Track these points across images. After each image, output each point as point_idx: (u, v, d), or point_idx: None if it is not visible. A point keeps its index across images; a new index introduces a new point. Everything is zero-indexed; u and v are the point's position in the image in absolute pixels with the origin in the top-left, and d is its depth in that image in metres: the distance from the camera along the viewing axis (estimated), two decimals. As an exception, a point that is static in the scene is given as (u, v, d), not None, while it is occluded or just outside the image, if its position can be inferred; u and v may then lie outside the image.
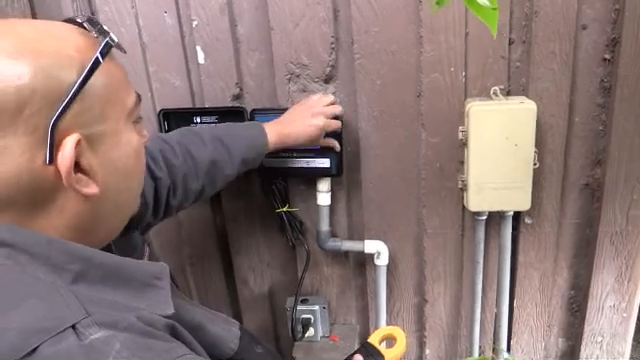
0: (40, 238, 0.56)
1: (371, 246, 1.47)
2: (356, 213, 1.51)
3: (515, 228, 1.43)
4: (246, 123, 1.24)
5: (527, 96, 1.29)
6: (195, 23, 1.34)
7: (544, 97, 1.29)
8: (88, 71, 0.56)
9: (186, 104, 1.43)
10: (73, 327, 0.51)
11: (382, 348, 1.03)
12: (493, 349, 1.58)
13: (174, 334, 0.60)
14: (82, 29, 0.61)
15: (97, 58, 0.58)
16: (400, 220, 1.48)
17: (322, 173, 1.38)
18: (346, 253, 1.55)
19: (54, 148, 0.54)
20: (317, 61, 1.34)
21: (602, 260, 1.42)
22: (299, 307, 1.52)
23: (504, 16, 1.24)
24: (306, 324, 1.53)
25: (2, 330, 0.49)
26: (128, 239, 0.81)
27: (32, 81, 0.52)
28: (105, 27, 0.61)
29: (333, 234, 1.50)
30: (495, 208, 1.35)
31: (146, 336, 0.55)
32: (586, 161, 1.37)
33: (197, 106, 1.43)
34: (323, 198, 1.42)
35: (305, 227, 1.51)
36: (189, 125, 1.34)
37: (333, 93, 1.37)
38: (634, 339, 1.57)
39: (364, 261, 1.56)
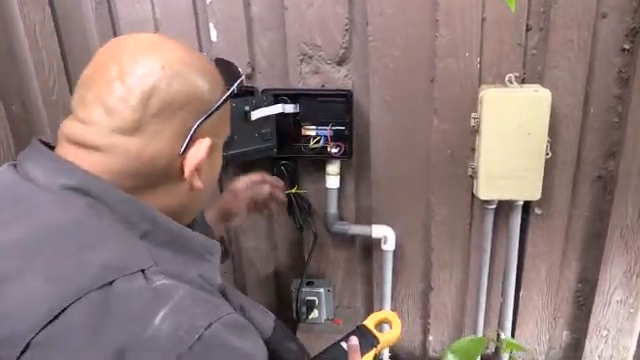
0: (122, 195, 0.64)
1: (378, 231, 1.46)
2: (364, 197, 1.50)
3: (524, 218, 1.42)
4: None
5: (542, 84, 1.27)
6: (209, 1, 1.33)
7: (559, 86, 1.27)
8: (227, 96, 0.71)
9: (198, 82, 1.42)
10: (143, 272, 0.58)
11: (377, 332, 1.03)
12: (497, 335, 1.58)
13: (224, 296, 0.68)
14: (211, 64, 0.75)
15: (234, 90, 0.73)
16: (408, 206, 1.48)
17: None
18: (353, 237, 1.55)
19: (189, 144, 0.67)
20: (330, 42, 1.32)
21: (611, 254, 1.41)
22: (304, 289, 1.52)
23: (523, 2, 1.22)
24: (310, 306, 1.53)
25: (85, 263, 0.57)
26: None
27: (196, 90, 0.67)
28: (239, 69, 0.77)
29: (341, 217, 1.49)
30: (505, 197, 1.33)
31: (204, 290, 0.63)
32: (599, 153, 1.35)
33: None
34: (332, 181, 1.42)
35: (313, 209, 1.50)
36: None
37: (345, 75, 1.36)
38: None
39: (371, 246, 1.55)
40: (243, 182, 1.21)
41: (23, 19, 1.14)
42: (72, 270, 0.56)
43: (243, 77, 0.76)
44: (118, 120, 0.63)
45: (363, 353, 0.99)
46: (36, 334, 0.52)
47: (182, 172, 0.68)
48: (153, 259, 0.61)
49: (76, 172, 0.63)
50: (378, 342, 1.01)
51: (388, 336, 1.02)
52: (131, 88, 0.63)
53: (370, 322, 1.05)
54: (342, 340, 1.00)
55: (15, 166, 0.67)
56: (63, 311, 0.53)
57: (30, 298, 0.54)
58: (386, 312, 1.09)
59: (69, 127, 0.66)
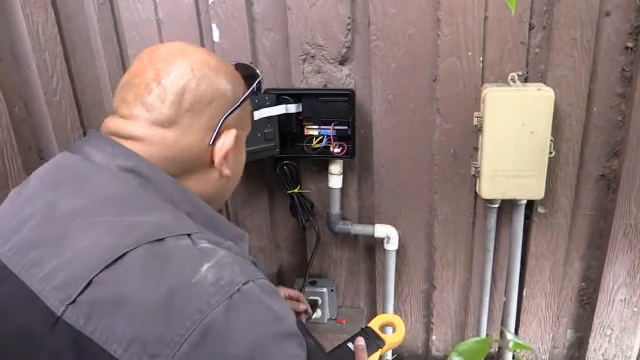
0: (168, 178, 0.74)
1: (381, 230, 1.46)
2: (367, 197, 1.50)
3: (527, 217, 1.42)
4: None
5: (545, 83, 1.27)
6: (211, 1, 1.33)
7: (563, 85, 1.26)
8: (248, 93, 0.82)
9: (200, 82, 1.42)
10: (189, 235, 0.66)
11: (382, 333, 1.04)
12: (500, 333, 1.58)
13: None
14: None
15: (254, 88, 0.83)
16: (411, 205, 1.47)
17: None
18: (356, 236, 1.55)
19: (217, 136, 0.77)
20: (333, 42, 1.32)
21: (615, 253, 1.41)
22: (307, 289, 1.52)
23: (525, 0, 1.22)
24: (313, 306, 1.53)
25: (140, 222, 0.65)
26: None
27: (223, 88, 0.77)
28: (258, 70, 0.89)
29: (343, 217, 1.49)
30: (508, 196, 1.33)
31: (240, 256, 0.69)
32: (603, 152, 1.34)
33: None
34: (335, 180, 1.42)
35: (316, 209, 1.50)
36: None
37: (348, 75, 1.36)
38: (643, 334, 1.56)
39: (374, 245, 1.55)
40: (284, 295, 1.24)
41: (26, 20, 1.14)
42: (129, 227, 0.64)
43: (261, 77, 0.88)
44: (157, 114, 0.73)
45: (369, 354, 1.00)
46: (97, 274, 0.59)
47: (212, 161, 0.78)
48: (198, 229, 0.69)
49: (131, 156, 0.72)
50: (384, 344, 1.03)
51: (393, 339, 1.05)
52: (166, 88, 0.73)
53: (375, 324, 1.07)
54: (348, 341, 1.02)
55: (71, 153, 0.76)
56: (122, 257, 0.60)
57: (94, 245, 0.62)
58: (390, 315, 1.11)
59: (113, 123, 0.76)
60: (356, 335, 1.04)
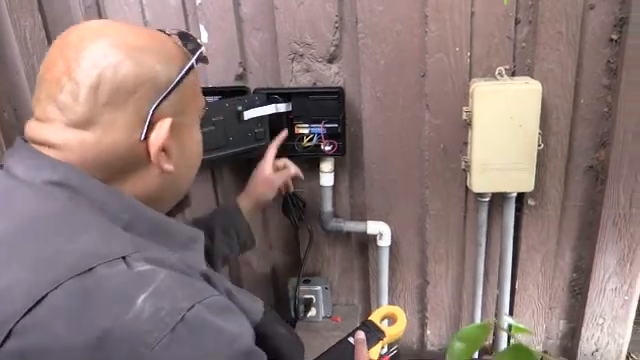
0: (99, 185, 0.65)
1: (373, 227, 1.47)
2: (359, 194, 1.51)
3: (518, 210, 1.43)
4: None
5: (532, 77, 1.28)
6: (199, 1, 1.33)
7: (549, 78, 1.28)
8: (185, 72, 0.69)
9: (189, 83, 1.42)
10: (124, 258, 0.58)
11: (383, 326, 1.04)
12: (494, 323, 1.59)
13: (208, 282, 0.68)
14: (171, 38, 0.73)
15: (192, 64, 0.71)
16: (403, 201, 1.48)
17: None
18: (348, 234, 1.55)
19: (149, 128, 0.66)
20: (321, 40, 1.33)
21: (605, 243, 1.42)
22: (301, 287, 1.52)
23: (511, -5, 1.23)
24: (308, 304, 1.54)
25: (65, 252, 0.58)
26: None
27: (149, 71, 0.65)
28: (199, 40, 0.75)
29: (336, 215, 1.50)
30: (498, 189, 1.34)
31: (186, 274, 0.63)
32: (590, 143, 1.36)
33: (200, 85, 1.42)
34: (326, 179, 1.42)
35: (308, 208, 1.50)
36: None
37: (336, 73, 1.37)
38: (635, 322, 1.58)
39: (366, 242, 1.56)
40: (272, 167, 1.28)
41: (13, 25, 1.14)
42: (53, 259, 0.57)
43: (203, 48, 0.73)
44: (71, 114, 0.63)
45: (370, 347, 1.01)
46: (18, 321, 0.52)
47: (149, 157, 0.68)
48: (134, 246, 0.61)
49: (56, 167, 0.64)
50: (384, 335, 1.03)
51: (394, 330, 1.04)
52: (78, 81, 0.63)
53: (376, 317, 1.07)
54: (349, 336, 1.02)
55: (1, 165, 0.68)
56: (44, 298, 0.53)
57: (13, 287, 0.55)
58: (392, 307, 1.10)
59: (29, 127, 0.67)
60: (357, 329, 1.04)
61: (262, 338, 0.71)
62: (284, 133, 1.34)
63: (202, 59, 0.73)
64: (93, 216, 0.63)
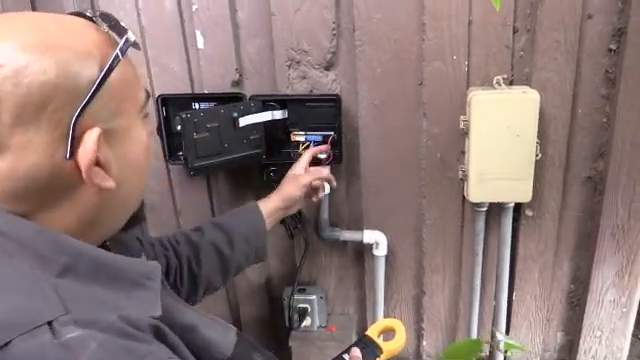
0: (29, 227, 0.55)
1: (370, 236, 1.46)
2: (355, 203, 1.49)
3: (516, 220, 1.42)
4: (244, 205, 1.24)
5: (530, 86, 1.27)
6: (195, 7, 1.32)
7: (547, 87, 1.27)
8: (108, 68, 0.57)
9: (185, 89, 1.41)
10: (49, 324, 0.49)
11: (380, 341, 1.01)
12: (491, 335, 1.57)
13: (158, 336, 0.58)
14: (93, 24, 0.61)
15: (117, 55, 0.58)
16: (399, 210, 1.47)
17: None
18: (345, 243, 1.54)
19: (75, 143, 0.55)
20: (318, 47, 1.32)
21: (603, 254, 1.41)
22: (296, 297, 1.51)
23: (509, 4, 1.22)
24: (303, 313, 1.52)
25: None
26: (125, 242, 0.80)
27: (56, 77, 0.53)
28: (122, 23, 0.61)
29: (332, 223, 1.49)
30: (496, 199, 1.33)
31: (126, 337, 0.53)
32: (589, 153, 1.35)
33: (196, 92, 1.42)
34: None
35: (304, 216, 1.49)
36: (188, 110, 1.32)
37: (333, 80, 1.36)
38: (633, 334, 1.56)
39: (362, 251, 1.55)
40: (303, 169, 1.27)
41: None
42: None
43: (129, 34, 0.60)
44: None
45: None
46: None
47: (82, 177, 0.57)
48: (65, 304, 0.51)
49: None
50: (381, 352, 1.00)
51: (392, 345, 1.01)
52: None
53: (373, 331, 1.03)
54: (344, 352, 0.98)
55: None
56: None
57: None
58: (391, 320, 1.07)
59: None
60: (352, 345, 1.01)
61: None
62: (326, 146, 1.34)
63: (132, 45, 0.61)
64: (18, 268, 0.53)
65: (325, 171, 1.32)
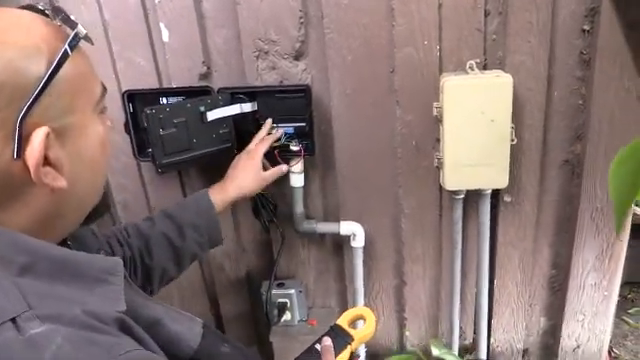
0: None
1: (346, 227, 1.43)
2: (331, 194, 1.46)
3: (494, 206, 1.40)
4: (194, 194, 1.21)
5: (504, 70, 1.24)
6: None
7: (521, 70, 1.24)
8: (57, 64, 0.55)
9: (152, 84, 1.37)
10: (13, 320, 0.49)
11: (350, 329, 1.01)
12: (474, 330, 1.56)
13: (124, 328, 0.58)
14: (45, 17, 0.59)
15: (66, 50, 0.57)
16: (376, 200, 1.44)
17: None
18: (322, 235, 1.51)
19: (22, 142, 0.54)
20: (286, 37, 1.28)
21: (583, 238, 1.39)
22: (275, 291, 1.48)
23: (479, -14, 1.19)
24: (282, 308, 1.49)
25: None
26: (81, 237, 0.79)
27: (5, 72, 0.52)
28: (72, 17, 0.60)
29: (308, 216, 1.46)
30: (472, 186, 1.31)
31: (91, 330, 0.52)
32: (565, 136, 1.33)
33: (164, 86, 1.38)
34: (296, 179, 1.37)
35: (279, 210, 1.46)
36: (155, 106, 1.28)
37: (304, 70, 1.32)
38: (618, 316, 1.55)
39: (341, 243, 1.52)
40: (260, 157, 1.24)
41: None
42: None
43: (79, 28, 0.59)
44: None
45: (337, 353, 0.97)
46: None
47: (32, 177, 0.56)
48: (28, 301, 0.51)
49: None
50: (352, 339, 1.00)
51: (362, 332, 1.01)
52: None
53: (343, 320, 1.04)
54: (316, 342, 0.99)
55: None
56: None
57: None
58: (360, 308, 1.07)
59: None
60: (323, 335, 1.01)
61: None
62: (279, 133, 1.31)
63: (84, 38, 0.59)
64: None
65: (285, 168, 1.30)
